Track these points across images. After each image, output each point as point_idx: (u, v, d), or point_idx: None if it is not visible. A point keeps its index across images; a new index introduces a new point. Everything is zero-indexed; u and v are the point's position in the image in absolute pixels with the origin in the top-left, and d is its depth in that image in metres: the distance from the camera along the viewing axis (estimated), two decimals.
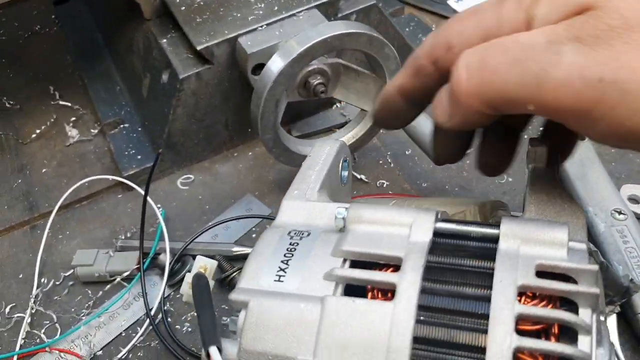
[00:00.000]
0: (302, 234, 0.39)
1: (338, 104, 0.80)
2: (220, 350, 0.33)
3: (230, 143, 0.77)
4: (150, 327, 0.62)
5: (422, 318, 0.33)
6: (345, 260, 0.36)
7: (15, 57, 0.97)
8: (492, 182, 0.70)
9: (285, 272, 0.37)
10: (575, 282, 0.33)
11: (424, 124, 0.62)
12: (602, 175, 0.66)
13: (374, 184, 0.72)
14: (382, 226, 0.37)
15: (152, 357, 0.60)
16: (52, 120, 0.85)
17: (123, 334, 0.62)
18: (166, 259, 0.64)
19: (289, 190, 0.44)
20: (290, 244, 0.38)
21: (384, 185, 0.72)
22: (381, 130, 0.76)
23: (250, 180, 0.75)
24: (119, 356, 0.60)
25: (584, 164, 0.67)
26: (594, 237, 0.61)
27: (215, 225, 0.67)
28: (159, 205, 0.70)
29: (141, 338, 0.61)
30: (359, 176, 0.72)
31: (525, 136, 0.46)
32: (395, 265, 0.35)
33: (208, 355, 0.33)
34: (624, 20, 0.30)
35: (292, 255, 0.38)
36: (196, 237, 0.65)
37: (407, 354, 0.31)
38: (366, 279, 0.35)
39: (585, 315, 0.32)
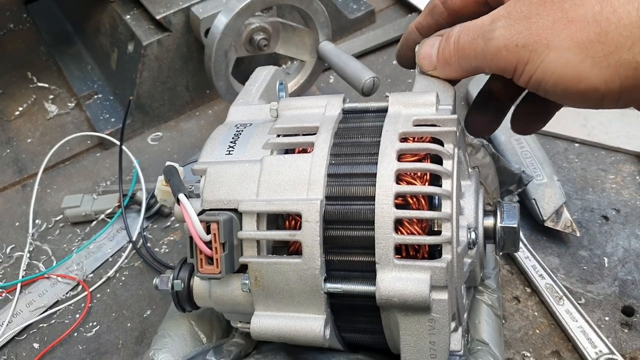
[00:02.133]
0: (246, 125, 0.51)
1: (284, 65, 0.93)
2: (186, 197, 0.45)
3: (192, 103, 0.89)
4: (133, 251, 0.73)
5: (333, 161, 0.45)
6: (278, 135, 0.48)
7: None
8: None
9: (234, 148, 0.49)
10: None
11: (352, 65, 0.74)
12: None
13: None
14: (304, 109, 0.50)
15: (137, 274, 0.71)
16: (32, 99, 0.96)
17: (110, 259, 0.73)
18: (143, 195, 0.75)
19: (234, 101, 0.56)
20: (237, 131, 0.50)
21: None
22: (322, 84, 0.89)
23: (211, 132, 0.86)
24: (108, 275, 0.71)
25: None
26: (496, 145, 0.74)
27: (183, 166, 0.78)
28: (133, 158, 0.81)
29: (125, 260, 0.72)
30: None
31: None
32: (315, 133, 0.47)
33: (178, 201, 0.45)
34: None
35: (239, 137, 0.49)
36: None
37: (322, 183, 0.43)
38: (292, 142, 0.47)
39: (448, 147, 0.44)
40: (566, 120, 0.78)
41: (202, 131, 0.87)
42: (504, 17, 0.41)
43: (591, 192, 0.71)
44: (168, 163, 0.57)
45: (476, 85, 0.82)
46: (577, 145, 0.76)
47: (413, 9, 0.97)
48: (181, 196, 0.44)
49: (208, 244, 0.43)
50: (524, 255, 0.64)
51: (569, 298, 0.60)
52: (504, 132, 0.75)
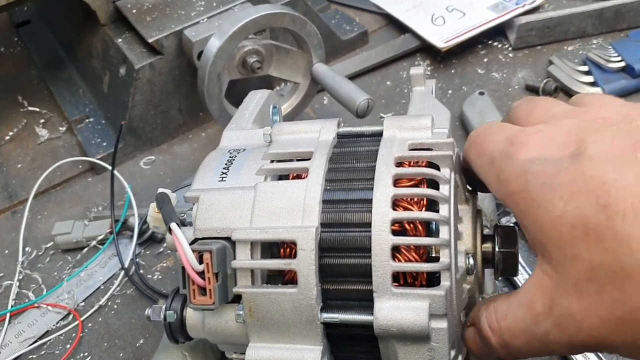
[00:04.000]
0: (239, 151, 0.50)
1: (278, 87, 0.92)
2: (179, 226, 0.44)
3: (185, 127, 0.88)
4: (126, 278, 0.71)
5: (328, 187, 0.44)
6: (272, 161, 0.47)
7: None
8: None
9: (227, 175, 0.48)
10: None
11: (346, 86, 0.73)
12: (498, 120, 0.78)
13: None
14: (298, 134, 0.49)
15: (129, 302, 0.69)
16: (23, 124, 0.95)
17: (102, 287, 0.71)
18: (135, 221, 0.74)
19: (227, 126, 0.55)
20: (230, 157, 0.49)
21: None
22: (316, 105, 0.89)
23: (204, 155, 0.84)
24: (100, 303, 0.69)
25: (483, 112, 0.80)
26: None
27: (176, 191, 0.77)
28: (125, 183, 0.80)
29: (118, 288, 0.71)
30: None
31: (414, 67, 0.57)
32: (309, 158, 0.46)
33: (170, 230, 0.44)
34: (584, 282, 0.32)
35: (232, 163, 0.49)
36: None
37: (317, 210, 0.42)
38: (287, 167, 0.46)
39: (445, 172, 0.43)
40: None
41: (196, 154, 0.86)
42: (547, 316, 0.35)
43: None
44: (160, 190, 0.56)
45: (470, 104, 0.82)
46: None
47: (406, 30, 0.97)
48: (173, 225, 0.43)
49: (201, 274, 0.42)
50: (522, 278, 0.63)
51: None
52: None
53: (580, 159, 0.32)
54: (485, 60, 0.92)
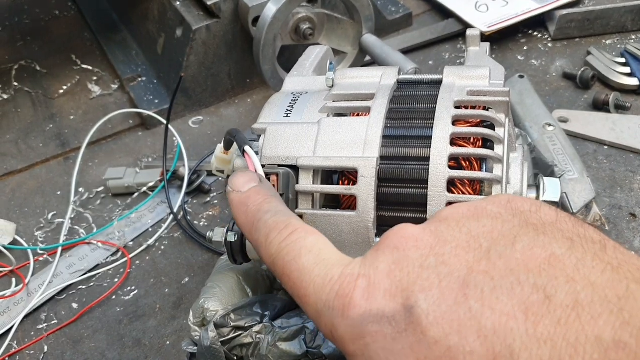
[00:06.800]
0: (302, 93, 0.54)
1: None
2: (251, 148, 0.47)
3: (232, 92, 0.92)
4: (174, 222, 0.75)
5: (388, 125, 0.47)
6: (335, 101, 0.51)
7: (40, 35, 1.12)
8: None
9: (291, 112, 0.51)
10: None
11: (395, 56, 0.77)
12: (537, 101, 0.81)
13: None
14: (360, 79, 0.52)
15: (176, 244, 0.73)
16: (76, 80, 0.99)
17: (150, 230, 0.75)
18: (185, 170, 0.77)
19: (289, 74, 0.59)
20: (293, 98, 0.53)
21: None
22: None
23: (250, 119, 0.89)
24: (149, 243, 0.73)
25: (522, 93, 0.83)
26: (529, 142, 0.76)
27: None
28: (174, 138, 0.84)
29: (166, 231, 0.74)
30: None
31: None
32: (371, 100, 0.50)
33: (243, 152, 0.47)
34: None
35: (295, 102, 0.52)
36: (208, 155, 0.79)
37: (378, 143, 0.46)
38: (349, 106, 0.49)
39: (500, 117, 0.46)
40: (595, 124, 0.80)
41: (242, 118, 0.90)
42: None
43: (619, 191, 0.73)
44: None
45: (510, 86, 0.85)
46: (606, 147, 0.78)
47: (449, 15, 1.00)
48: (247, 148, 0.46)
49: None
50: None
51: None
52: (536, 129, 0.77)
53: (414, 315, 0.28)
54: (525, 48, 0.95)
